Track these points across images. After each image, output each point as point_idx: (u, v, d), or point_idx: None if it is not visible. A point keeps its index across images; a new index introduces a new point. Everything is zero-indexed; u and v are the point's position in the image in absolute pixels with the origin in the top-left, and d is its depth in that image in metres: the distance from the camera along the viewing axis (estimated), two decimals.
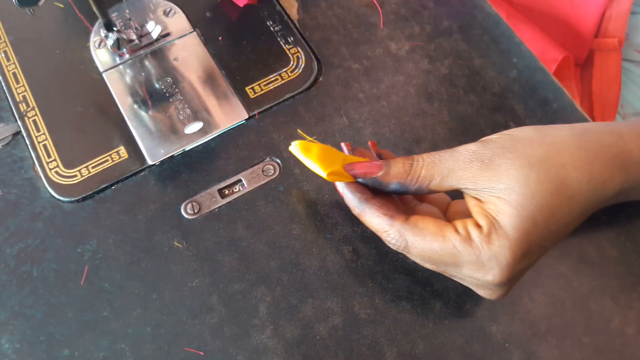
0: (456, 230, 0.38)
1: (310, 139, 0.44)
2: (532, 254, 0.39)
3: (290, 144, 0.43)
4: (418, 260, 0.41)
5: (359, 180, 0.42)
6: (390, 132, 0.52)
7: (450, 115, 0.53)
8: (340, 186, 0.42)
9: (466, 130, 0.52)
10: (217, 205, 0.49)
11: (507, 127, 0.52)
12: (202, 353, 0.44)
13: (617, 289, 0.47)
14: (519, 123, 0.52)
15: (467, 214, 0.41)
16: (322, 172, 0.42)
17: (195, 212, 0.49)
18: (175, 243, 0.47)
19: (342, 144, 0.45)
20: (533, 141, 0.39)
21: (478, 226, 0.38)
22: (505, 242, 0.37)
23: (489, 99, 0.54)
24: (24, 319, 0.45)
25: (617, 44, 0.75)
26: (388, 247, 0.41)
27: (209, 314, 0.45)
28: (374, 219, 0.40)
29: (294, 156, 0.50)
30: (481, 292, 0.41)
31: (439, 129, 0.52)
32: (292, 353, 0.44)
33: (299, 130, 0.45)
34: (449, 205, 0.44)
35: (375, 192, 0.42)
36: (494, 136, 0.41)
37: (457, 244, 0.38)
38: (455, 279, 0.42)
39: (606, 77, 0.78)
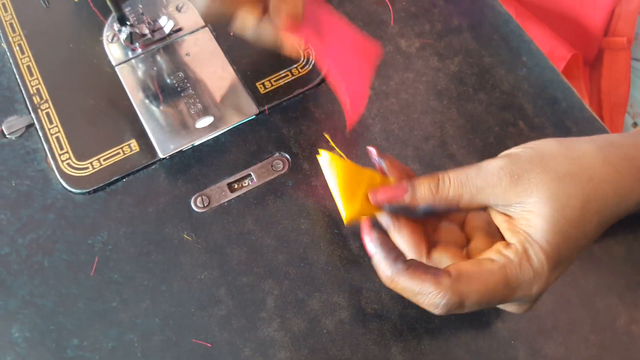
0: (493, 261, 0.37)
1: (339, 151, 0.43)
2: (561, 266, 0.39)
3: (316, 149, 0.43)
4: (474, 308, 0.38)
5: (387, 208, 0.40)
6: (399, 129, 0.52)
7: (459, 112, 0.53)
8: (371, 246, 0.39)
9: (475, 128, 0.52)
10: (226, 199, 0.49)
11: (516, 126, 0.52)
12: (209, 345, 0.44)
13: (624, 288, 0.47)
14: (528, 122, 0.53)
15: (486, 229, 0.41)
16: (342, 212, 0.41)
17: (205, 205, 0.49)
18: (185, 236, 0.48)
19: (369, 148, 0.43)
20: (559, 155, 0.39)
21: (508, 246, 0.38)
22: (542, 255, 0.37)
23: (498, 97, 0.54)
24: (34, 308, 0.46)
25: (626, 42, 0.75)
26: None
27: (217, 306, 0.45)
28: (415, 278, 0.37)
29: (302, 152, 0.51)
30: (509, 309, 0.41)
31: (448, 126, 0.53)
32: (298, 346, 0.44)
33: (326, 134, 0.44)
34: (465, 221, 0.43)
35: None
36: (518, 150, 0.40)
37: (507, 272, 0.37)
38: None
39: (615, 76, 0.77)
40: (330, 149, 0.47)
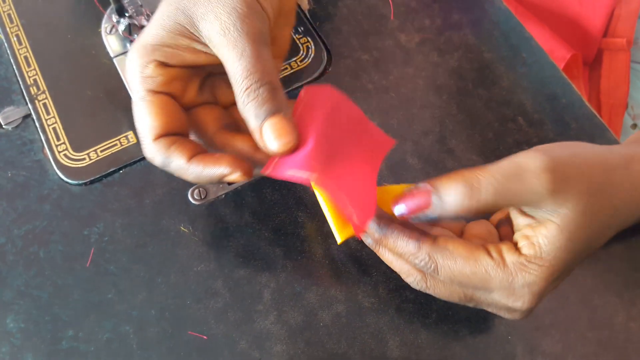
0: (489, 255, 0.37)
1: None
2: (559, 280, 0.38)
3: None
4: (447, 281, 0.38)
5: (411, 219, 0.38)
6: (399, 124, 0.52)
7: (458, 108, 0.53)
8: None
9: (474, 123, 0.52)
10: (224, 192, 0.49)
11: (515, 122, 0.52)
12: (205, 337, 0.44)
13: (622, 285, 0.47)
14: (527, 117, 0.52)
15: (487, 239, 0.40)
16: (335, 235, 0.40)
17: (202, 197, 0.49)
18: (182, 228, 0.48)
19: None
20: (595, 167, 0.37)
21: (516, 250, 0.37)
22: (543, 270, 0.36)
23: (497, 93, 0.54)
24: (30, 299, 0.45)
25: (625, 44, 0.75)
26: None
27: (214, 298, 0.45)
28: (399, 241, 0.38)
29: None
30: (505, 315, 0.40)
31: (447, 121, 0.52)
32: (295, 339, 0.44)
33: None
34: (464, 229, 0.42)
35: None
36: (556, 149, 0.37)
37: (490, 268, 0.36)
38: (479, 306, 0.40)
39: (614, 77, 0.78)
40: None
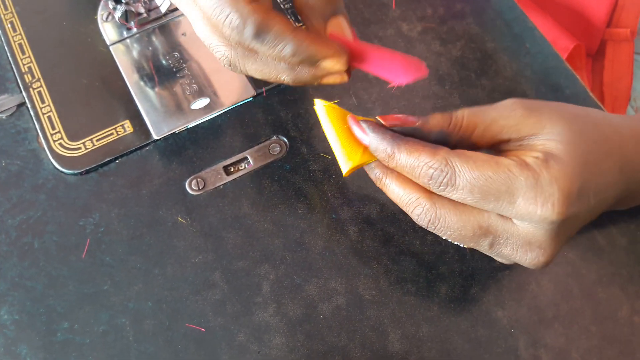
0: (509, 158, 0.36)
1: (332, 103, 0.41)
2: (584, 198, 0.36)
3: (313, 103, 0.41)
4: (465, 194, 0.36)
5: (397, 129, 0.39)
6: (400, 114, 0.51)
7: (461, 98, 0.52)
8: (368, 128, 0.38)
9: None
10: (222, 182, 0.48)
11: None
12: (203, 329, 0.43)
13: (626, 279, 0.46)
14: None
15: None
16: (342, 162, 0.39)
17: (200, 188, 0.48)
18: (179, 218, 0.47)
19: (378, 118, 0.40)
20: (568, 105, 0.40)
21: (533, 156, 0.36)
22: (563, 168, 0.35)
23: (500, 83, 0.53)
24: (24, 290, 0.45)
25: (629, 34, 0.74)
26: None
27: (212, 290, 0.45)
28: (414, 151, 0.37)
29: (300, 136, 0.50)
30: (527, 256, 0.38)
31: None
32: (294, 332, 0.43)
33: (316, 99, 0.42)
34: None
35: None
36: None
37: (513, 167, 0.35)
38: (496, 245, 0.38)
39: (618, 68, 0.77)
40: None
